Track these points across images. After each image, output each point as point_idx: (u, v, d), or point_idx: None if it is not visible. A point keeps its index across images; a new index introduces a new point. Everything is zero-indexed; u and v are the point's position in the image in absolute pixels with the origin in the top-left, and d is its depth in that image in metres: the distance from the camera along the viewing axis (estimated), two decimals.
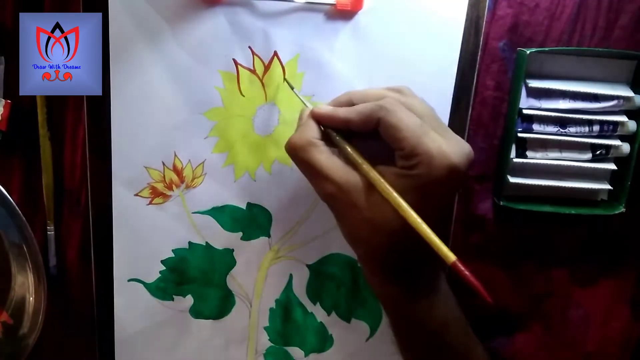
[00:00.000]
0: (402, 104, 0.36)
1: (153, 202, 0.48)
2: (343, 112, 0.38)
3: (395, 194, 0.35)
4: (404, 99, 0.37)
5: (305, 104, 0.42)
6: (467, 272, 0.32)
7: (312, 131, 0.39)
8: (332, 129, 0.39)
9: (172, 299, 0.51)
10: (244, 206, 0.49)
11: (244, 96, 0.46)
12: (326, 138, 0.39)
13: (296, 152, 0.38)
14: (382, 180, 0.35)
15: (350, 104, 0.39)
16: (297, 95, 0.43)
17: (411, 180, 0.35)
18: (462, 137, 0.47)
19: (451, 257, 0.32)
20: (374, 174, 0.36)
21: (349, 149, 0.38)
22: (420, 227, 0.34)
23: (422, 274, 0.39)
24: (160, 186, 0.48)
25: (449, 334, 0.40)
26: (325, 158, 0.37)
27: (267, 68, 0.45)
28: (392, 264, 0.38)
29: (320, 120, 0.39)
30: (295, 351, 0.53)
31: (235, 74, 0.45)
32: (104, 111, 0.46)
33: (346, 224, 0.38)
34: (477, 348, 0.42)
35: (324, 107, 0.39)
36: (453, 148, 0.35)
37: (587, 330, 0.53)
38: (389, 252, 0.37)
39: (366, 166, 0.36)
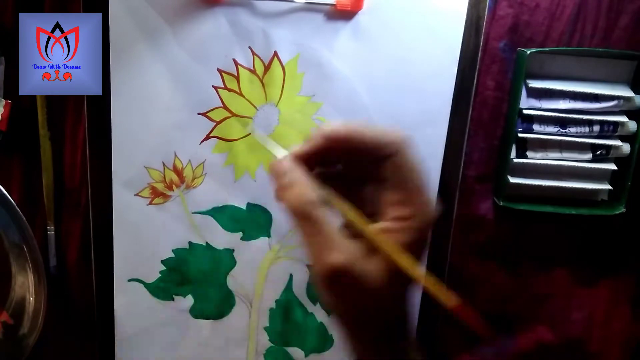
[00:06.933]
0: None
1: (153, 202, 0.48)
2: (354, 126, 0.32)
3: (402, 256, 0.32)
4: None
5: (275, 155, 0.33)
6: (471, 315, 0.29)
7: (312, 189, 0.32)
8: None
9: (172, 299, 0.51)
10: (244, 206, 0.49)
11: (244, 96, 0.46)
12: None
13: (303, 213, 0.31)
14: (389, 243, 0.31)
15: (324, 143, 0.32)
16: (267, 145, 0.33)
17: (406, 234, 0.32)
18: (462, 137, 0.47)
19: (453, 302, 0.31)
20: (380, 237, 0.32)
21: (351, 212, 0.32)
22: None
23: (402, 328, 0.38)
24: (160, 186, 0.48)
25: None
26: (333, 225, 0.32)
27: (267, 68, 0.45)
28: (383, 325, 0.35)
29: (328, 140, 0.32)
30: (296, 351, 0.53)
31: (235, 74, 0.45)
32: (104, 111, 0.45)
33: (349, 300, 0.33)
34: None
35: (326, 128, 0.32)
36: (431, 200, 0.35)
37: (589, 330, 0.53)
38: (386, 317, 0.35)
39: (369, 228, 0.32)
